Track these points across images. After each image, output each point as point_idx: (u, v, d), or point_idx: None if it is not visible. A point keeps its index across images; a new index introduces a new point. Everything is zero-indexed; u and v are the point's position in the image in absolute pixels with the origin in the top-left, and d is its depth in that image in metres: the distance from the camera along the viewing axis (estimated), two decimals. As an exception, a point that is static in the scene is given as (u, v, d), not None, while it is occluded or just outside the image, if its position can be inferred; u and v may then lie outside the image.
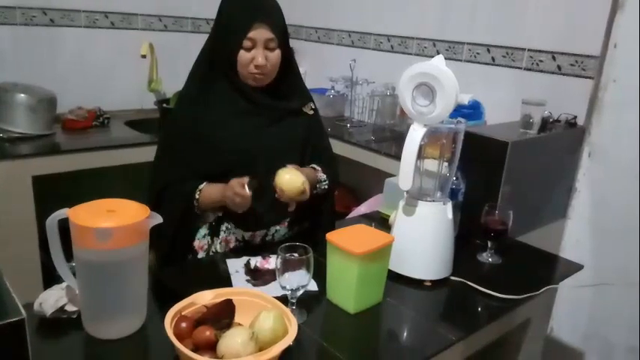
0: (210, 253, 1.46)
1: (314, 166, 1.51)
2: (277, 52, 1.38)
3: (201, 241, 1.47)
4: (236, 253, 1.39)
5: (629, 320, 1.91)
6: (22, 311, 0.72)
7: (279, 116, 1.45)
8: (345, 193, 2.62)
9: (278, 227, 1.47)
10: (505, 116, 2.00)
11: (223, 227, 1.45)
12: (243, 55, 1.35)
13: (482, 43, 2.22)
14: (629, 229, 1.87)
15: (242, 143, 1.39)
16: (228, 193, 1.30)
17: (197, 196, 1.38)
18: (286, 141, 1.45)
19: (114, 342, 0.98)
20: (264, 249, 1.34)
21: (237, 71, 1.38)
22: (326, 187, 1.50)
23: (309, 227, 1.56)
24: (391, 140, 2.37)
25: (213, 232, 1.46)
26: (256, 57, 1.34)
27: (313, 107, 1.55)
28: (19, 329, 0.71)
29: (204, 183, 1.39)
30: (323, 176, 1.49)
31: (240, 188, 1.27)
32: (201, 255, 1.47)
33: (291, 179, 1.27)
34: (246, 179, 1.28)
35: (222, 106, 1.41)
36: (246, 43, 1.33)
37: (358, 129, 2.58)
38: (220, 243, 1.45)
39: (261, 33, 1.33)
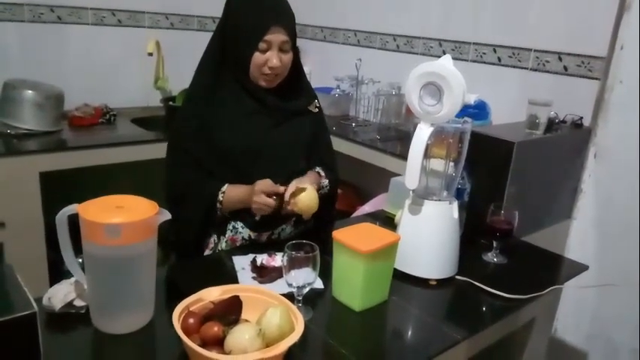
0: (216, 252, 1.46)
1: (319, 171, 1.52)
2: (290, 55, 1.38)
3: (207, 239, 1.48)
4: (242, 250, 1.40)
5: (633, 321, 1.91)
6: (34, 305, 0.73)
7: (286, 116, 1.45)
8: (349, 192, 2.63)
9: (284, 226, 1.48)
10: (511, 116, 2.00)
11: (230, 226, 1.46)
12: (257, 57, 1.34)
13: (489, 43, 2.22)
14: (634, 231, 1.87)
15: (250, 143, 1.40)
16: (255, 199, 1.34)
17: (221, 198, 1.39)
18: (293, 140, 1.46)
19: (122, 337, 0.99)
20: (270, 247, 1.35)
21: (247, 71, 1.38)
22: (326, 191, 1.52)
23: (314, 226, 1.57)
24: (396, 139, 2.37)
25: (220, 231, 1.47)
26: (271, 59, 1.34)
27: (318, 105, 1.56)
28: (31, 323, 0.72)
29: (226, 185, 1.40)
30: (325, 182, 1.51)
31: (266, 199, 1.33)
32: (207, 253, 1.47)
33: (308, 197, 1.33)
34: (269, 182, 1.34)
35: (231, 106, 1.41)
36: (262, 46, 1.33)
37: (363, 128, 2.58)
38: (226, 242, 1.46)
39: (277, 36, 1.33)
